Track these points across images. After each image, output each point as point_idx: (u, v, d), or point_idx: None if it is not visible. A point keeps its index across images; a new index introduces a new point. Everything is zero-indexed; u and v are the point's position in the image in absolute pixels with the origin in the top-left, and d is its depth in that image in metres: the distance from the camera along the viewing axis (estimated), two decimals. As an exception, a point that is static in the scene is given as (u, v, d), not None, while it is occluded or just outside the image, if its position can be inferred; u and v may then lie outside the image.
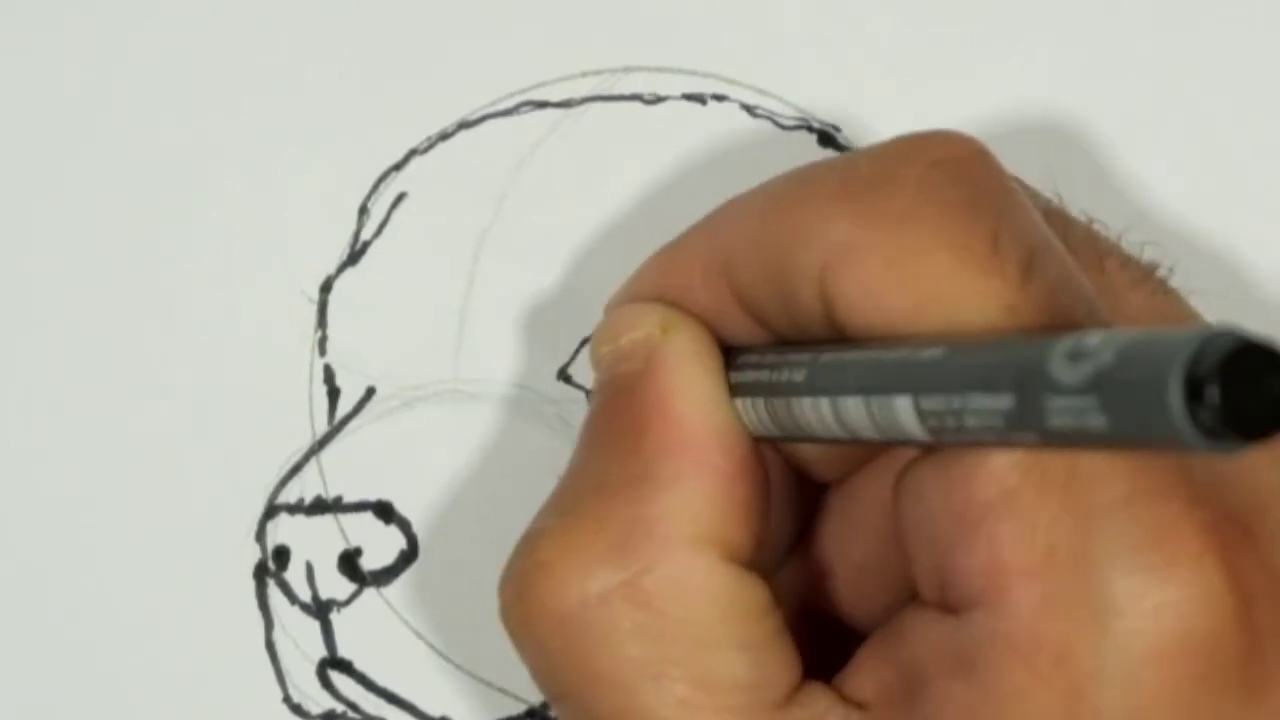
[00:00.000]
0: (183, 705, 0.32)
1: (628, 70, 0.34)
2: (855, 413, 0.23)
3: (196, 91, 0.34)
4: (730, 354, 0.26)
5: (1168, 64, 0.34)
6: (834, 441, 0.24)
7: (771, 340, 0.26)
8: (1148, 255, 0.27)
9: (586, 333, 0.33)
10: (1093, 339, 0.19)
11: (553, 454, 0.33)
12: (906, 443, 0.22)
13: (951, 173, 0.24)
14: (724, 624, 0.24)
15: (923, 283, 0.23)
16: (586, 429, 0.27)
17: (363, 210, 0.33)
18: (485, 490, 0.33)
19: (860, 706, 0.24)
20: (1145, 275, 0.26)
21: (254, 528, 0.33)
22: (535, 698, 0.33)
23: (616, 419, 0.26)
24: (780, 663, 0.25)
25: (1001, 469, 0.22)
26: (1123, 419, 0.18)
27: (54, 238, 0.33)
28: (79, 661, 0.33)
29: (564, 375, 0.33)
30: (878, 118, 0.33)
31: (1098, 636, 0.21)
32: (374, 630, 0.33)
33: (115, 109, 0.33)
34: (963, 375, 0.21)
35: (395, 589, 0.33)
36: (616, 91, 0.33)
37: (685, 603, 0.24)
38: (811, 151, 0.33)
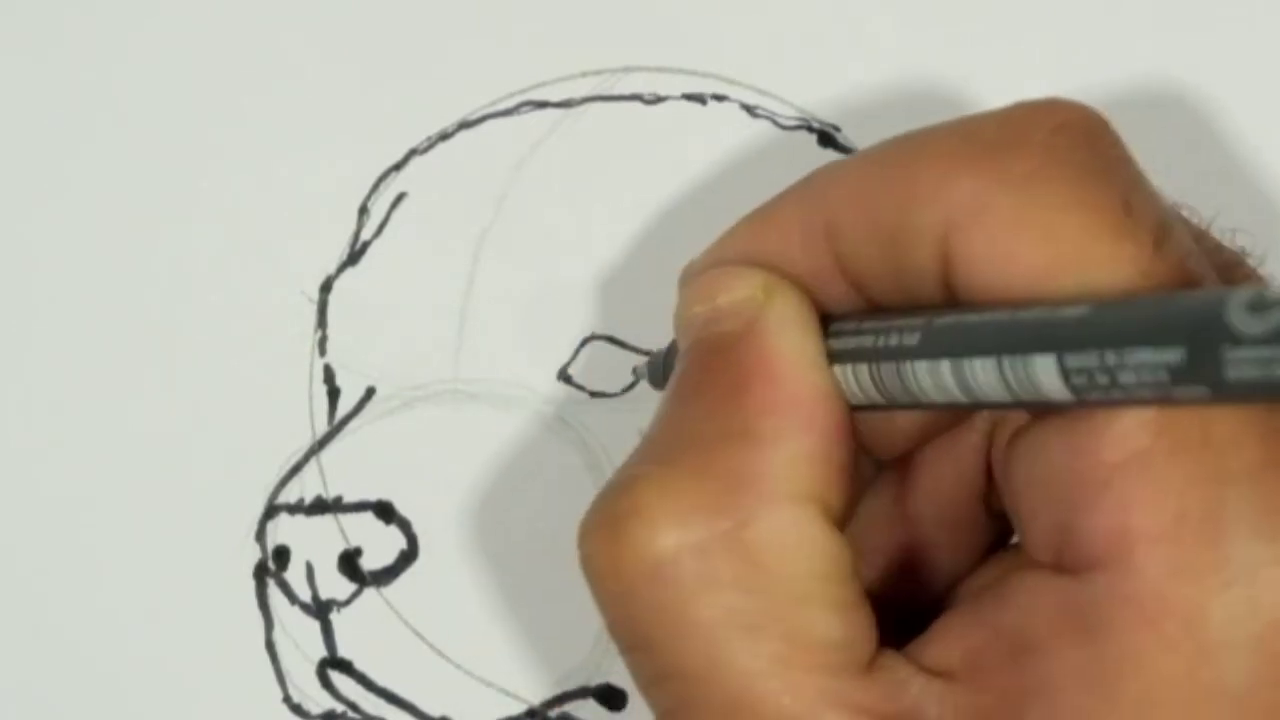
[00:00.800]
0: (183, 705, 0.32)
1: (628, 70, 0.34)
2: (983, 374, 0.22)
3: (196, 91, 0.34)
4: (828, 323, 0.26)
5: (1166, 64, 0.34)
6: (949, 407, 0.24)
7: (866, 308, 0.26)
8: (1238, 242, 0.27)
9: (586, 332, 0.33)
10: (1274, 289, 0.18)
11: (552, 454, 0.33)
12: (1037, 405, 0.22)
13: (1078, 137, 0.23)
14: (820, 582, 0.24)
15: (1057, 243, 0.22)
16: (679, 384, 0.26)
17: (363, 210, 0.33)
18: (485, 490, 0.33)
19: (943, 675, 0.24)
20: (1236, 262, 0.26)
21: (254, 528, 0.33)
22: (535, 698, 0.33)
23: (716, 376, 0.25)
24: (866, 626, 0.25)
25: (1132, 430, 0.22)
26: None
27: (54, 237, 0.33)
28: (79, 661, 0.33)
29: (564, 375, 0.33)
30: (878, 118, 0.33)
31: (1228, 602, 0.21)
32: (374, 630, 0.33)
33: (115, 109, 0.33)
34: (1121, 328, 0.20)
35: (395, 589, 0.33)
36: (616, 91, 0.34)
37: (785, 557, 0.24)
38: (811, 151, 0.33)
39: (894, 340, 0.24)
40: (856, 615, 0.24)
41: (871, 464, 0.29)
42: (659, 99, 0.34)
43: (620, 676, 0.32)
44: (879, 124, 0.33)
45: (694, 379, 0.26)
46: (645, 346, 0.33)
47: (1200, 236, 0.26)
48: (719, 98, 0.33)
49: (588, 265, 0.33)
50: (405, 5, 0.34)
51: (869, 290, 0.25)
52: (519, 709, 0.33)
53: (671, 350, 0.28)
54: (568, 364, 0.33)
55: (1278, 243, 0.28)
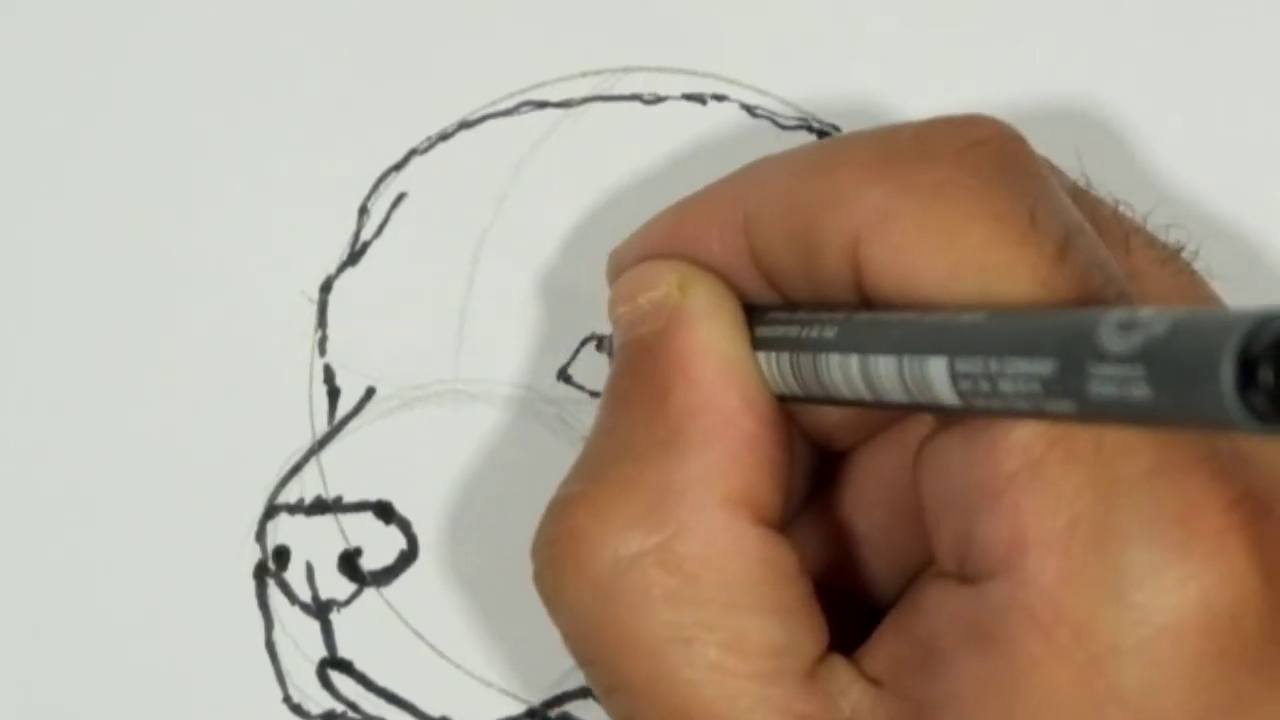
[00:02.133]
0: (183, 705, 0.32)
1: (628, 70, 0.34)
2: (886, 372, 0.23)
3: (196, 91, 0.34)
4: (753, 310, 0.26)
5: (1164, 64, 0.34)
6: (855, 404, 0.24)
7: (780, 303, 0.26)
8: (1172, 237, 0.27)
9: (586, 332, 0.33)
10: (1146, 311, 0.19)
11: (553, 454, 0.33)
12: (932, 408, 0.22)
13: (989, 151, 0.24)
14: (756, 587, 0.24)
15: (959, 251, 0.23)
16: (608, 392, 0.26)
17: (363, 210, 0.33)
18: (485, 490, 0.33)
19: (876, 683, 0.24)
20: (1170, 256, 0.26)
21: (254, 528, 0.33)
22: (535, 697, 0.33)
23: (639, 382, 0.26)
24: (809, 630, 0.25)
25: (1028, 439, 0.22)
26: (1168, 392, 0.18)
27: (54, 237, 0.33)
28: (79, 661, 0.33)
29: (564, 375, 0.33)
30: (878, 118, 0.33)
31: (1118, 610, 0.21)
32: (374, 630, 0.33)
33: (115, 109, 0.33)
34: (1004, 338, 0.20)
35: (395, 589, 0.33)
36: (616, 91, 0.33)
37: (717, 566, 0.24)
38: (811, 151, 0.33)
39: (815, 332, 0.24)
40: (798, 619, 0.25)
41: (817, 454, 0.28)
42: (659, 99, 0.33)
43: (620, 676, 0.32)
44: (879, 124, 0.33)
45: (621, 385, 0.26)
46: (598, 349, 0.33)
47: (1132, 233, 0.26)
48: (719, 98, 0.33)
49: (588, 265, 0.33)
50: (405, 5, 0.34)
51: (782, 287, 0.26)
52: (519, 709, 0.33)
53: None
54: (568, 364, 0.33)
55: (1210, 239, 0.27)
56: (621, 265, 0.28)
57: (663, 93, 0.34)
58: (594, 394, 0.33)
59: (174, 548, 0.33)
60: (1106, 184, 0.27)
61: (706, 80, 0.34)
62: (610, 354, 0.30)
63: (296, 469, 0.33)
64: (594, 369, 0.33)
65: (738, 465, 0.25)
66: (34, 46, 0.34)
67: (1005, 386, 0.20)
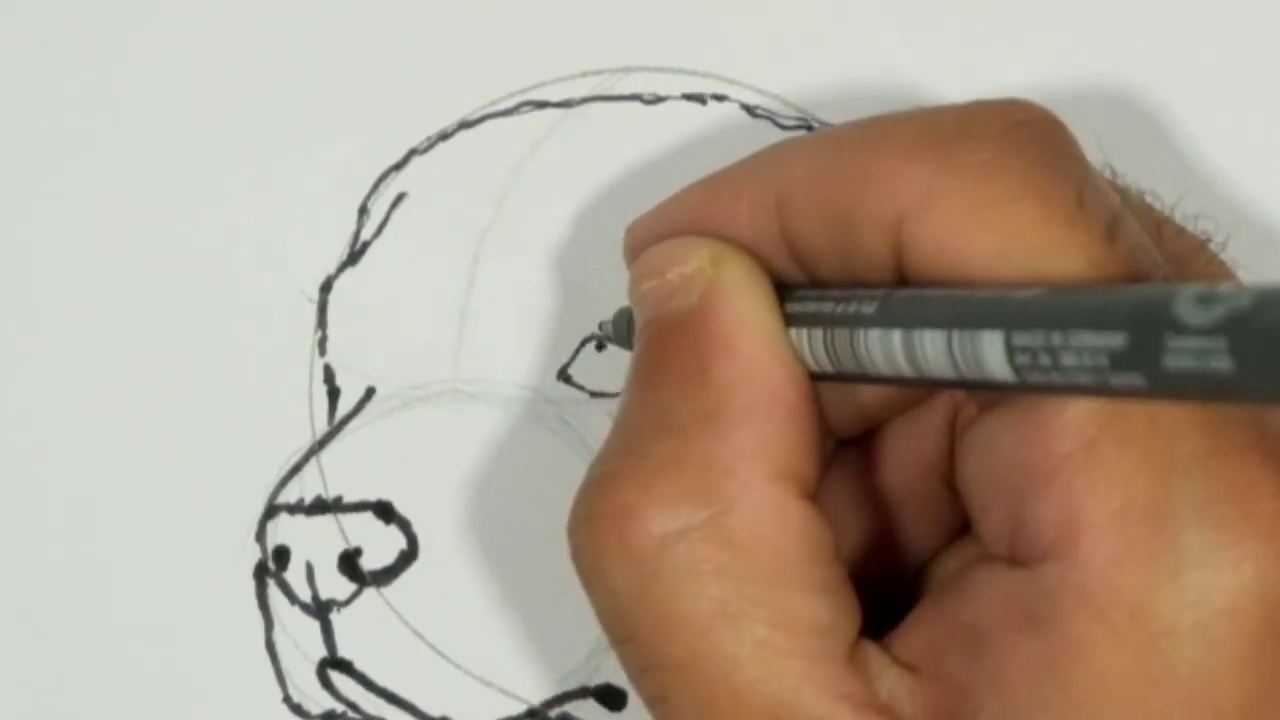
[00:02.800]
0: (183, 705, 0.32)
1: (628, 70, 0.34)
2: (933, 347, 0.22)
3: (196, 91, 0.34)
4: (784, 288, 0.26)
5: (1166, 64, 0.34)
6: (894, 381, 0.24)
7: (808, 282, 0.26)
8: (1200, 227, 0.27)
9: (587, 333, 0.33)
10: (1225, 286, 0.18)
11: (553, 454, 0.33)
12: (981, 384, 0.22)
13: (1033, 133, 0.24)
14: (804, 564, 0.24)
15: (1007, 230, 0.22)
16: (640, 368, 0.26)
17: (363, 210, 0.33)
18: (485, 490, 0.33)
19: (911, 669, 0.24)
20: (1199, 246, 0.26)
21: (254, 528, 0.33)
22: (535, 697, 0.33)
23: (675, 356, 0.25)
24: (849, 609, 0.25)
25: (1080, 419, 0.22)
26: (1253, 365, 0.18)
27: (54, 238, 0.33)
28: (79, 662, 0.33)
29: (564, 375, 0.33)
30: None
31: (1174, 591, 0.21)
32: (374, 630, 0.33)
33: (115, 109, 0.33)
34: (1070, 311, 0.20)
35: (395, 589, 0.33)
36: (616, 91, 0.33)
37: (767, 541, 0.24)
38: (811, 151, 0.33)
39: (852, 308, 0.24)
40: (839, 597, 0.24)
41: (831, 441, 0.28)
42: (659, 99, 0.33)
43: (620, 677, 0.32)
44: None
45: (655, 360, 0.26)
46: (599, 331, 0.33)
47: (1162, 222, 0.26)
48: (719, 98, 0.33)
49: (588, 265, 0.33)
50: (406, 5, 0.34)
51: (813, 268, 0.25)
52: (519, 709, 0.33)
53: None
54: (568, 364, 0.33)
55: (1239, 230, 0.28)
56: (642, 241, 0.28)
57: (663, 93, 0.34)
58: (594, 394, 0.33)
59: (174, 548, 0.33)
60: (1132, 175, 0.27)
61: (706, 80, 0.34)
62: (615, 335, 0.30)
63: (296, 469, 0.33)
64: (594, 369, 0.33)
65: (783, 439, 0.24)
66: (34, 47, 0.34)
67: (1068, 360, 0.20)
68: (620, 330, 0.30)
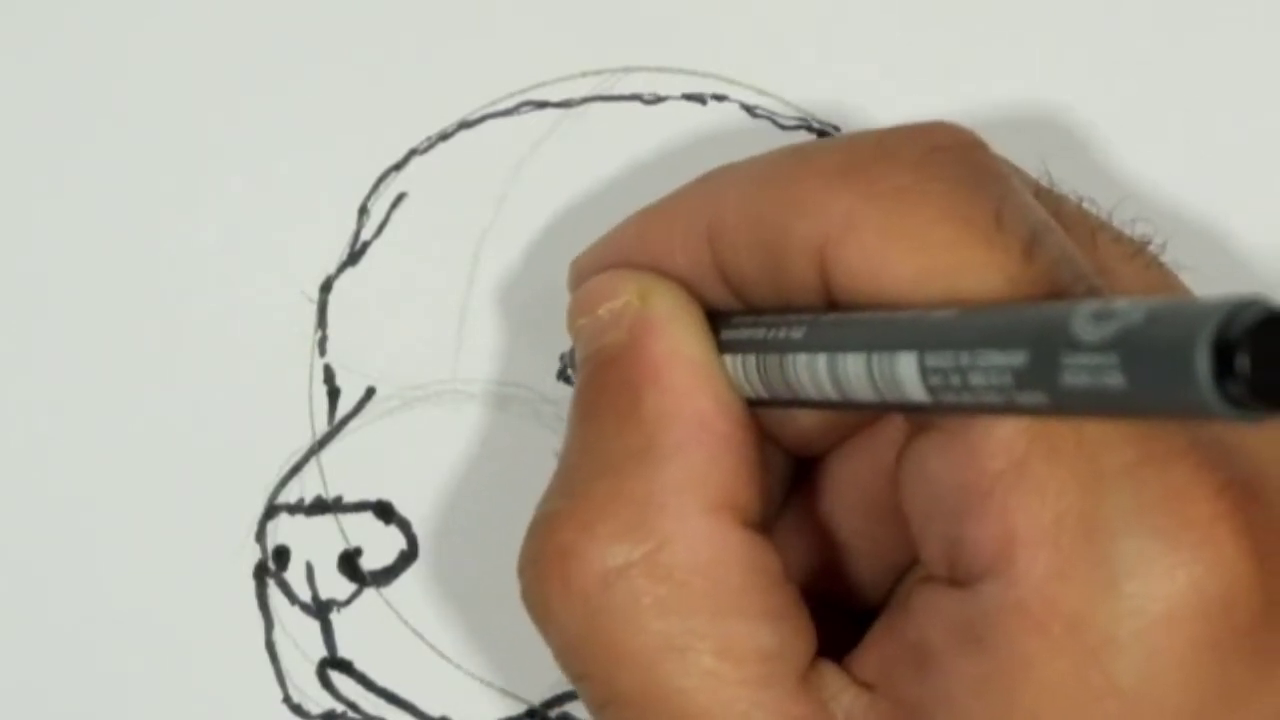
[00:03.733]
0: (183, 705, 0.32)
1: (628, 70, 0.34)
2: (854, 369, 0.23)
3: (196, 91, 0.33)
4: (718, 315, 0.26)
5: (1163, 59, 0.34)
6: (824, 405, 0.24)
7: (742, 311, 0.26)
8: (1138, 231, 0.27)
9: (586, 333, 0.33)
10: (1121, 302, 0.19)
11: (553, 454, 0.33)
12: (901, 406, 0.22)
13: (951, 156, 0.24)
14: (745, 592, 0.24)
15: (925, 253, 0.23)
16: (578, 405, 0.26)
17: (363, 210, 0.33)
18: (485, 490, 0.33)
19: (867, 688, 0.24)
20: (1137, 250, 0.26)
21: (254, 528, 0.33)
22: (535, 697, 0.33)
23: (607, 393, 0.26)
24: (799, 634, 0.25)
25: (1009, 438, 0.22)
26: (1143, 380, 0.18)
27: (54, 238, 0.33)
28: (79, 661, 0.33)
29: (564, 376, 0.33)
30: (878, 118, 0.33)
31: (1110, 601, 0.21)
32: (374, 630, 0.33)
33: (115, 109, 0.33)
34: (975, 331, 0.20)
35: (395, 589, 0.33)
36: (616, 91, 0.33)
37: (704, 572, 0.24)
38: (811, 151, 0.33)
39: (781, 333, 0.24)
40: (788, 622, 0.25)
41: (790, 461, 0.28)
42: (659, 99, 0.33)
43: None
44: (879, 125, 0.33)
45: (589, 397, 0.26)
46: (561, 362, 0.33)
47: (1098, 229, 0.26)
48: (719, 98, 0.33)
49: (588, 265, 0.33)
50: (405, 5, 0.34)
51: (746, 295, 0.26)
52: (519, 709, 0.33)
53: None
54: (568, 364, 0.33)
55: (1179, 232, 0.28)
56: (582, 275, 0.28)
57: (663, 93, 0.34)
58: (594, 394, 0.33)
59: (174, 548, 0.33)
60: (1069, 182, 0.27)
61: (706, 80, 0.34)
62: (572, 368, 0.30)
63: (296, 469, 0.33)
64: (594, 369, 0.33)
65: (716, 469, 0.25)
66: (34, 47, 0.34)
67: (976, 380, 0.20)
68: (566, 368, 0.30)
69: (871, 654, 0.25)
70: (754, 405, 0.26)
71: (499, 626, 0.33)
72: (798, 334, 0.24)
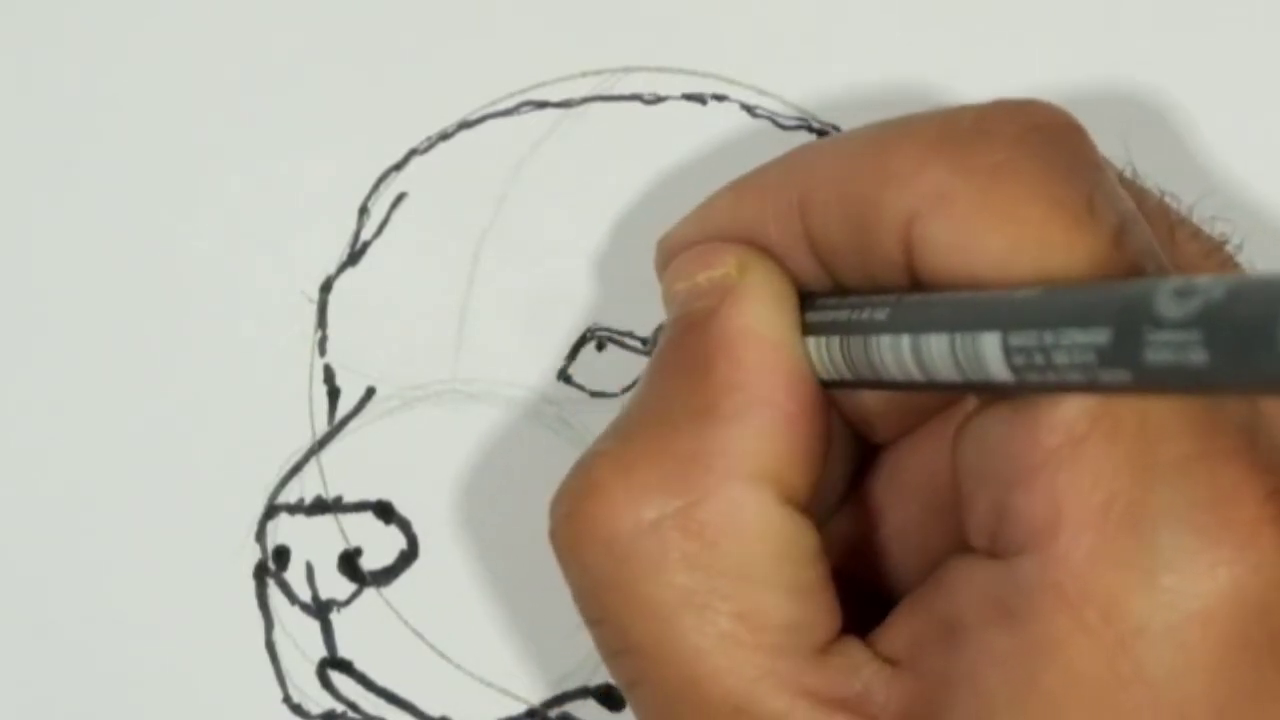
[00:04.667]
0: (183, 705, 0.32)
1: (628, 70, 0.34)
2: (937, 350, 0.23)
3: (196, 91, 0.34)
4: (807, 296, 0.26)
5: (1166, 65, 0.34)
6: (907, 387, 0.24)
7: (831, 284, 0.26)
8: (1217, 229, 0.27)
9: (587, 333, 0.33)
10: (1203, 278, 0.19)
11: (552, 454, 0.33)
12: (985, 386, 0.22)
13: (1049, 135, 0.24)
14: (772, 562, 0.24)
15: (1016, 231, 0.23)
16: (655, 361, 0.27)
17: (363, 210, 0.33)
18: (485, 490, 0.33)
19: (892, 661, 0.24)
20: (1214, 248, 0.26)
21: (254, 528, 0.33)
22: (535, 697, 0.33)
23: (684, 353, 0.26)
24: (823, 610, 0.25)
25: (1072, 415, 0.22)
26: (1226, 356, 0.18)
27: (54, 238, 0.33)
28: (79, 661, 0.33)
29: (564, 376, 0.33)
30: (877, 118, 0.33)
31: (1147, 592, 0.21)
32: (374, 630, 0.33)
33: (115, 109, 0.33)
34: (1059, 310, 0.20)
35: (395, 589, 0.33)
36: (616, 91, 0.33)
37: (736, 537, 0.24)
38: (811, 151, 0.33)
39: (865, 314, 0.24)
40: (813, 598, 0.25)
41: (860, 445, 0.29)
42: (659, 99, 0.33)
43: (620, 676, 0.32)
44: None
45: (667, 356, 0.26)
46: (645, 346, 0.33)
47: (1178, 224, 0.26)
48: (719, 98, 0.33)
49: (588, 265, 0.33)
50: (405, 5, 0.34)
51: (834, 268, 0.26)
52: (519, 709, 0.33)
53: None
54: (568, 364, 0.33)
55: (1256, 232, 0.28)
56: (674, 248, 0.28)
57: (663, 93, 0.34)
58: (594, 394, 0.33)
59: (174, 548, 0.33)
60: (1153, 175, 0.27)
61: (706, 80, 0.34)
62: (650, 343, 0.30)
63: (296, 469, 0.33)
64: (594, 369, 0.33)
65: (770, 443, 0.25)
66: (34, 47, 0.34)
67: (1059, 358, 0.20)
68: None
69: (900, 629, 0.25)
70: (835, 386, 0.26)
71: (499, 626, 0.33)
72: (881, 315, 0.24)
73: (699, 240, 0.27)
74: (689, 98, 0.33)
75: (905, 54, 0.34)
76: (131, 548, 0.33)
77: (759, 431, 0.25)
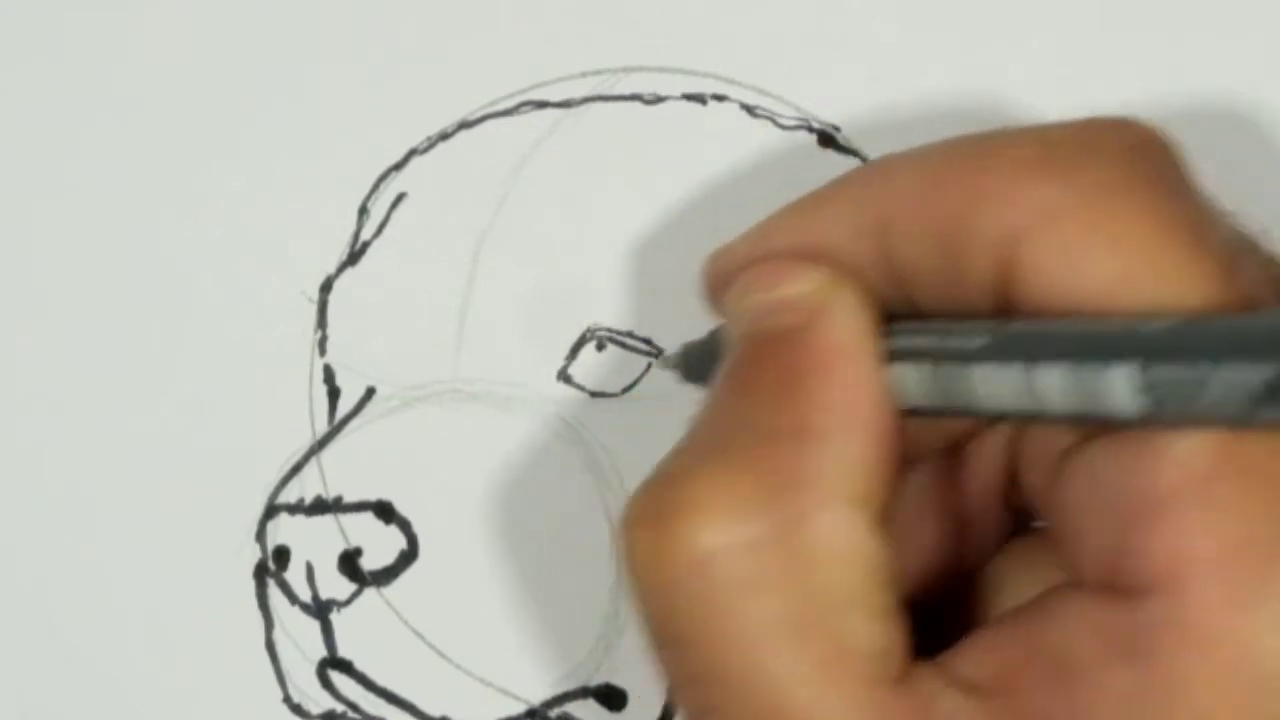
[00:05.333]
0: (183, 705, 0.32)
1: (628, 70, 0.34)
2: (1054, 381, 0.21)
3: (196, 91, 0.34)
4: (880, 320, 0.25)
5: (1165, 66, 0.34)
6: (1004, 415, 0.23)
7: (907, 307, 0.25)
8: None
9: (587, 333, 0.33)
10: None
11: (552, 454, 0.33)
12: (1099, 418, 0.21)
13: (1153, 155, 0.23)
14: (869, 588, 0.23)
15: (1131, 255, 0.22)
16: (732, 374, 0.25)
17: (363, 210, 0.33)
18: (485, 490, 0.33)
19: (975, 691, 0.24)
20: None
21: (254, 528, 0.33)
22: (535, 697, 0.33)
23: (771, 370, 0.25)
24: (903, 635, 0.24)
25: (1195, 453, 0.21)
26: None
27: (55, 238, 0.33)
28: (79, 661, 0.33)
29: (564, 375, 0.33)
30: (878, 118, 0.33)
31: None
32: (374, 630, 0.33)
33: (116, 108, 0.33)
34: (1214, 343, 0.20)
35: (395, 589, 0.33)
36: (616, 91, 0.33)
37: (837, 561, 0.23)
38: (811, 152, 0.33)
39: (958, 342, 0.23)
40: (895, 624, 0.24)
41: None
42: (659, 99, 0.33)
43: (620, 677, 0.32)
44: (879, 125, 0.33)
45: (748, 370, 0.25)
46: (645, 346, 0.33)
47: (1253, 248, 0.26)
48: (719, 98, 0.33)
49: (588, 265, 0.33)
50: (405, 5, 0.34)
51: (914, 290, 0.25)
52: (519, 709, 0.33)
53: (711, 343, 0.28)
54: (568, 364, 0.33)
55: None
56: (731, 265, 0.27)
57: (663, 93, 0.34)
58: (594, 394, 0.33)
59: (174, 548, 0.33)
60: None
61: (706, 80, 0.34)
62: (681, 367, 0.29)
63: (296, 469, 0.33)
64: (594, 369, 0.33)
65: (866, 465, 0.24)
66: (34, 46, 0.34)
67: (1210, 394, 0.19)
68: (692, 364, 0.29)
69: (987, 658, 0.24)
70: (912, 414, 0.25)
71: (499, 626, 0.33)
72: (978, 342, 0.23)
73: (762, 257, 0.26)
74: (689, 98, 0.33)
75: (906, 54, 0.34)
76: (131, 548, 0.33)
77: (855, 453, 0.24)
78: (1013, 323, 0.23)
